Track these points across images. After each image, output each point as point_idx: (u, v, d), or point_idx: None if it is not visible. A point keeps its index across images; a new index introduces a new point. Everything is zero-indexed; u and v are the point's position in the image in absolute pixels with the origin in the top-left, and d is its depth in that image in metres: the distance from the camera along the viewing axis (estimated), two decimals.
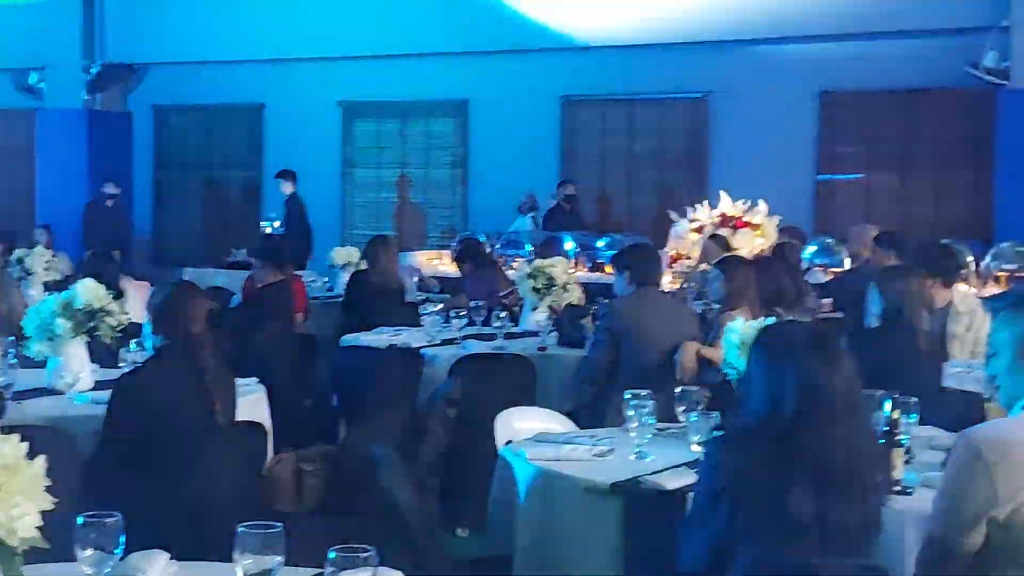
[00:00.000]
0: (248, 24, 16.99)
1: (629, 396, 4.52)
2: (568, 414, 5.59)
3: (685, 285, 10.50)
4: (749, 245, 12.01)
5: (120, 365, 5.93)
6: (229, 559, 2.69)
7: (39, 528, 2.64)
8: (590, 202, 15.81)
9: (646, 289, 6.83)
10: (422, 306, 8.27)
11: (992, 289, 10.97)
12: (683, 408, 4.63)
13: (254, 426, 5.30)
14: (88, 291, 5.71)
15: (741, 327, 5.13)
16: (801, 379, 3.25)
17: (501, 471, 4.55)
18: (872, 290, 6.16)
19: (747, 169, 14.24)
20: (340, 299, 10.27)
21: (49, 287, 9.35)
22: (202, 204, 18.61)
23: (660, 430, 4.66)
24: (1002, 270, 11.22)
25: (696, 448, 4.34)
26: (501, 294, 9.34)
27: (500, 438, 4.94)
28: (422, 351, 7.49)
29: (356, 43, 16.38)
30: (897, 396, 4.15)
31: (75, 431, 4.99)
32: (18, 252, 10.62)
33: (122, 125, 18.62)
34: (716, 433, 3.51)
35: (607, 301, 7.57)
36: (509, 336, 7.79)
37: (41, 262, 10.38)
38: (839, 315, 8.70)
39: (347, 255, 11.46)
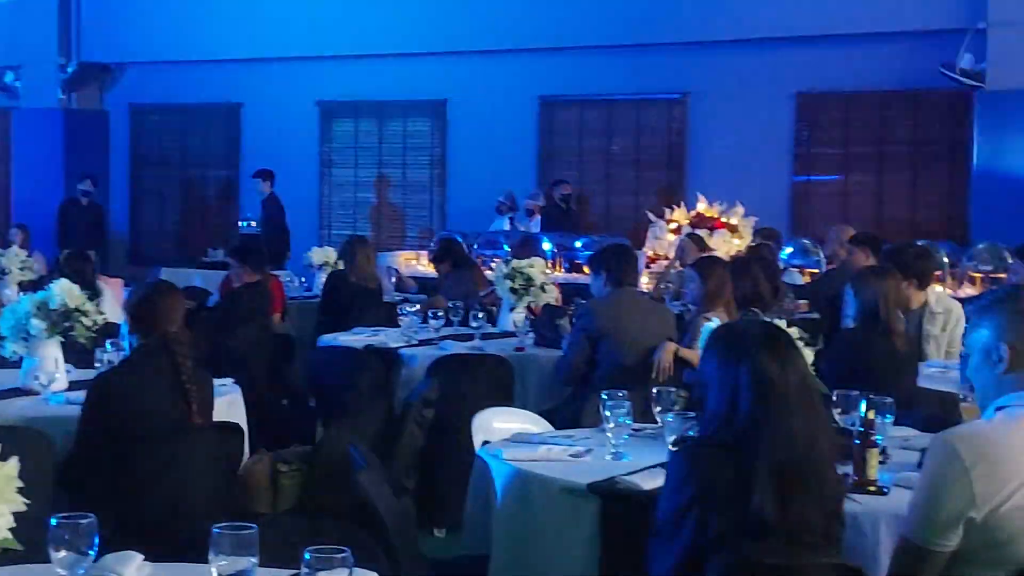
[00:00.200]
0: (225, 23, 16.94)
1: (606, 396, 4.52)
2: (545, 414, 5.59)
3: (662, 286, 10.52)
4: (726, 246, 12.05)
5: (96, 365, 5.90)
6: (204, 560, 2.69)
7: (11, 530, 2.63)
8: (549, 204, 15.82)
9: (623, 290, 6.85)
10: (400, 306, 8.26)
11: (967, 290, 11.02)
12: (660, 409, 4.63)
13: (230, 426, 5.29)
14: (63, 291, 5.69)
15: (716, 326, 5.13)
16: (755, 376, 3.25)
17: (478, 471, 4.55)
18: (847, 291, 6.18)
19: (724, 170, 14.27)
20: (317, 299, 10.25)
21: (24, 287, 9.32)
22: (179, 204, 18.55)
23: (637, 430, 4.66)
24: (977, 271, 11.28)
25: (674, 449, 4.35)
26: (481, 294, 9.35)
27: (477, 438, 4.94)
28: (399, 351, 7.49)
29: (334, 43, 16.35)
30: (872, 396, 4.16)
31: (50, 432, 4.96)
32: None
33: (98, 124, 18.54)
34: (679, 443, 3.47)
35: (584, 302, 7.58)
36: (486, 336, 7.79)
37: (16, 262, 10.34)
38: (815, 316, 8.72)
39: (324, 255, 11.44)
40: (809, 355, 4.94)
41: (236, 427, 5.31)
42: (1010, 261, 7.80)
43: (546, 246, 12.78)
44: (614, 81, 15.28)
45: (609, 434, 4.47)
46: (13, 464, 2.67)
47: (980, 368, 3.30)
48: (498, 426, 5.11)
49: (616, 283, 6.83)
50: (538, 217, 14.86)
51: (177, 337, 5.01)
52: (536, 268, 8.32)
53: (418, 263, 13.47)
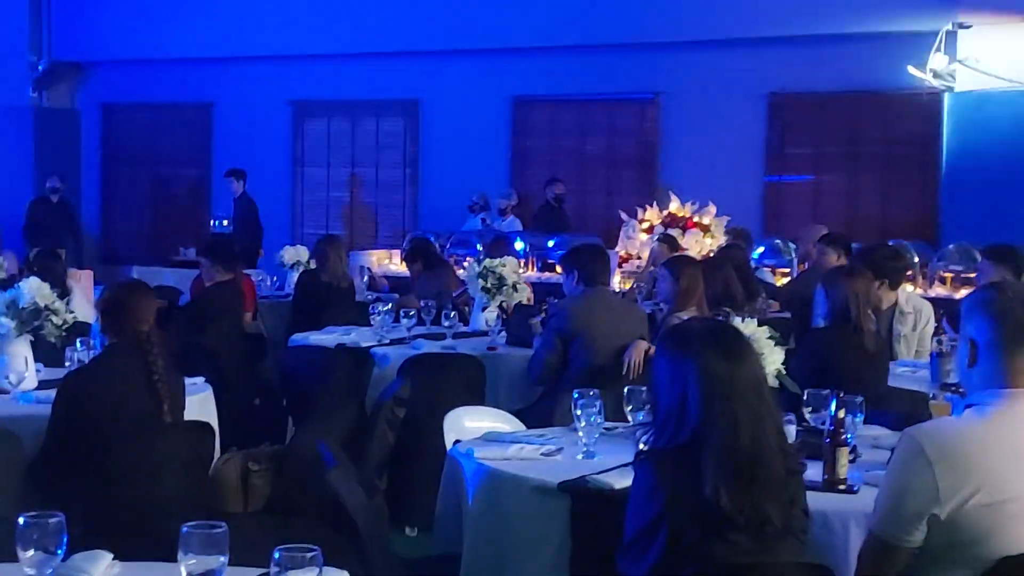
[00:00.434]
0: (197, 22, 16.87)
1: (577, 395, 4.53)
2: (517, 413, 5.60)
3: (634, 285, 10.54)
4: (698, 246, 12.08)
5: (66, 364, 5.88)
6: (174, 559, 2.68)
7: None
8: (541, 203, 15.83)
9: (595, 289, 6.86)
10: (372, 305, 8.24)
11: (938, 290, 11.08)
12: (631, 407, 4.63)
13: (201, 425, 5.27)
14: (33, 289, 5.67)
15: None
16: (701, 373, 3.26)
17: (449, 471, 4.55)
18: (819, 291, 6.21)
19: (696, 170, 14.30)
20: (289, 298, 10.24)
21: None
22: (151, 203, 18.46)
23: (608, 429, 4.67)
24: (947, 271, 11.33)
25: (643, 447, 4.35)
26: (453, 294, 9.34)
27: (448, 438, 4.93)
28: (371, 351, 7.48)
29: (306, 42, 16.30)
30: (842, 395, 4.18)
31: (19, 431, 4.94)
32: None
33: (70, 123, 18.44)
34: (640, 455, 3.47)
35: (556, 301, 7.58)
36: (458, 336, 7.79)
37: None
38: (786, 315, 8.75)
39: (296, 254, 11.42)
40: (780, 355, 4.96)
41: (207, 426, 5.29)
42: (980, 261, 7.84)
43: (518, 245, 12.78)
44: (587, 81, 15.29)
45: (580, 433, 4.47)
46: None
47: (959, 365, 3.35)
48: (470, 425, 5.10)
49: (588, 283, 6.84)
50: (511, 216, 14.87)
51: (148, 336, 5.00)
52: (508, 267, 8.32)
53: (390, 262, 13.45)
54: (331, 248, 9.71)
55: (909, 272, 9.69)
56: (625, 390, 4.71)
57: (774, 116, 14.59)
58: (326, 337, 7.88)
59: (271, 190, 16.20)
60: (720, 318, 5.58)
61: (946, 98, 12.94)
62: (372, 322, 7.97)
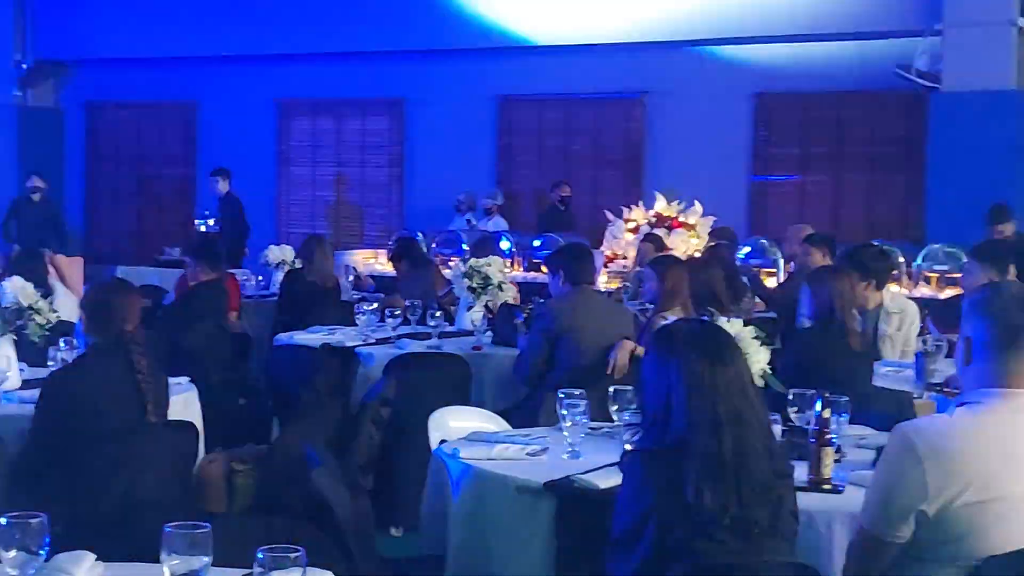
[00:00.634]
0: (182, 20, 16.83)
1: (562, 395, 4.53)
2: (502, 413, 5.59)
3: (621, 285, 10.53)
4: (684, 245, 12.09)
5: (49, 364, 5.86)
6: (158, 559, 2.67)
7: None
8: (526, 202, 15.84)
9: (581, 289, 6.85)
10: (357, 305, 8.23)
11: (923, 290, 11.11)
12: (616, 407, 4.63)
13: (185, 425, 5.26)
14: (16, 289, 5.64)
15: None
16: (684, 374, 3.27)
17: (434, 470, 4.54)
18: (803, 291, 6.21)
19: (682, 170, 14.30)
20: (274, 298, 10.22)
21: None
22: (135, 202, 18.43)
23: (593, 429, 4.67)
24: (932, 271, 11.36)
25: (630, 448, 4.35)
26: (439, 293, 9.33)
27: (434, 437, 4.93)
28: (356, 350, 7.46)
29: (292, 41, 16.28)
30: (827, 395, 4.18)
31: (2, 431, 4.92)
32: None
33: (53, 121, 18.40)
34: (627, 455, 3.48)
35: (543, 301, 7.58)
36: (444, 335, 7.78)
37: None
38: (772, 315, 8.76)
39: (282, 254, 11.40)
40: (765, 354, 4.96)
41: (191, 426, 5.28)
42: (965, 261, 7.85)
43: (504, 245, 12.78)
44: (573, 81, 15.29)
45: (565, 433, 4.47)
46: None
47: (956, 362, 3.38)
48: (455, 425, 5.10)
49: (574, 282, 6.84)
50: (497, 216, 14.86)
51: (133, 336, 4.98)
52: (494, 267, 8.31)
53: (376, 262, 13.44)
54: (316, 247, 9.69)
55: (895, 272, 9.71)
56: (610, 390, 4.71)
57: (760, 116, 14.61)
58: (311, 337, 7.86)
59: (256, 189, 16.17)
60: (705, 318, 5.58)
61: (931, 99, 12.96)
62: (357, 322, 7.95)
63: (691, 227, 12.66)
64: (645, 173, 15.10)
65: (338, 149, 17.12)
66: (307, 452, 4.36)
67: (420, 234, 12.93)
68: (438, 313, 7.80)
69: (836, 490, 3.94)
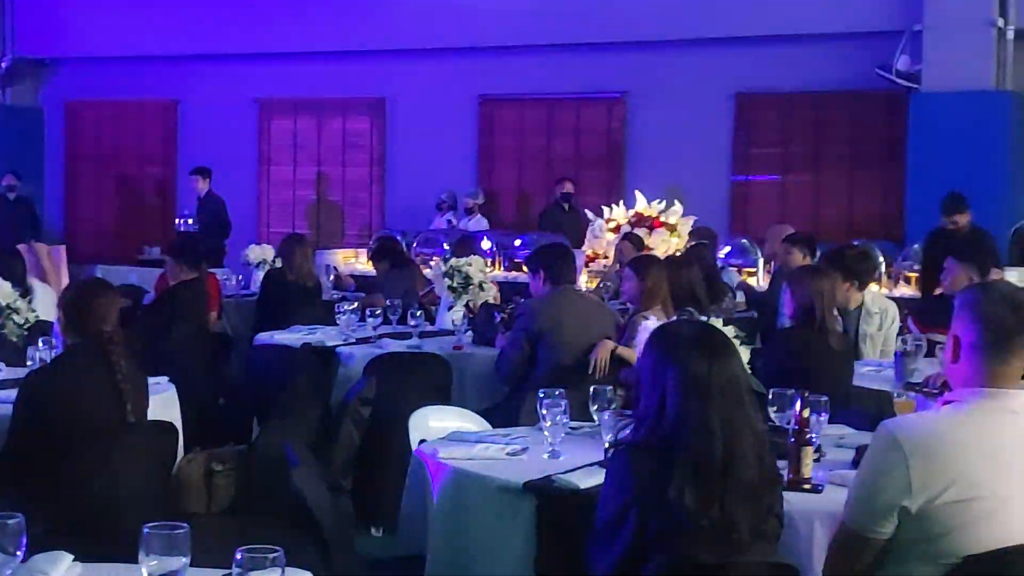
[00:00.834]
0: (163, 19, 16.78)
1: (543, 395, 4.52)
2: (483, 413, 5.59)
3: (602, 284, 10.54)
4: (664, 245, 12.10)
5: (27, 364, 5.83)
6: (136, 560, 2.65)
7: None
8: (508, 201, 15.84)
9: (563, 289, 6.85)
10: (337, 305, 8.21)
11: (903, 289, 11.14)
12: (596, 407, 4.63)
13: (164, 425, 5.23)
14: None
15: (654, 327, 5.14)
16: (681, 374, 3.29)
17: (414, 470, 4.53)
18: (784, 290, 6.22)
19: (663, 169, 14.32)
20: (255, 297, 10.20)
21: None
22: (115, 201, 18.35)
23: (574, 429, 4.66)
24: (912, 271, 11.39)
25: (613, 443, 4.35)
26: (420, 293, 9.32)
27: (414, 437, 4.92)
28: (337, 350, 7.45)
29: (273, 40, 16.25)
30: (807, 395, 4.18)
31: None
32: None
33: (33, 120, 18.32)
34: (614, 447, 3.50)
35: (523, 301, 7.58)
36: (425, 335, 7.76)
37: None
38: (752, 314, 8.78)
39: (262, 253, 11.38)
40: (745, 354, 4.97)
41: (170, 426, 5.25)
42: (946, 260, 7.89)
43: (485, 244, 12.77)
44: (554, 80, 15.29)
45: (546, 432, 4.46)
46: None
47: (944, 359, 3.41)
48: (435, 425, 5.09)
49: (554, 282, 6.84)
50: (478, 215, 14.85)
51: (112, 336, 4.95)
52: (475, 266, 8.31)
53: (357, 261, 13.42)
54: (297, 247, 9.67)
55: (876, 272, 9.74)
56: (591, 390, 4.71)
57: (740, 116, 14.63)
58: (291, 336, 7.85)
59: (237, 188, 16.11)
60: (684, 318, 5.59)
61: (912, 99, 13.00)
62: (338, 321, 7.93)
63: (672, 227, 12.67)
64: (626, 173, 15.11)
65: (319, 148, 17.08)
66: (287, 452, 4.35)
67: (401, 233, 12.92)
68: (419, 313, 7.78)
69: (816, 489, 3.94)
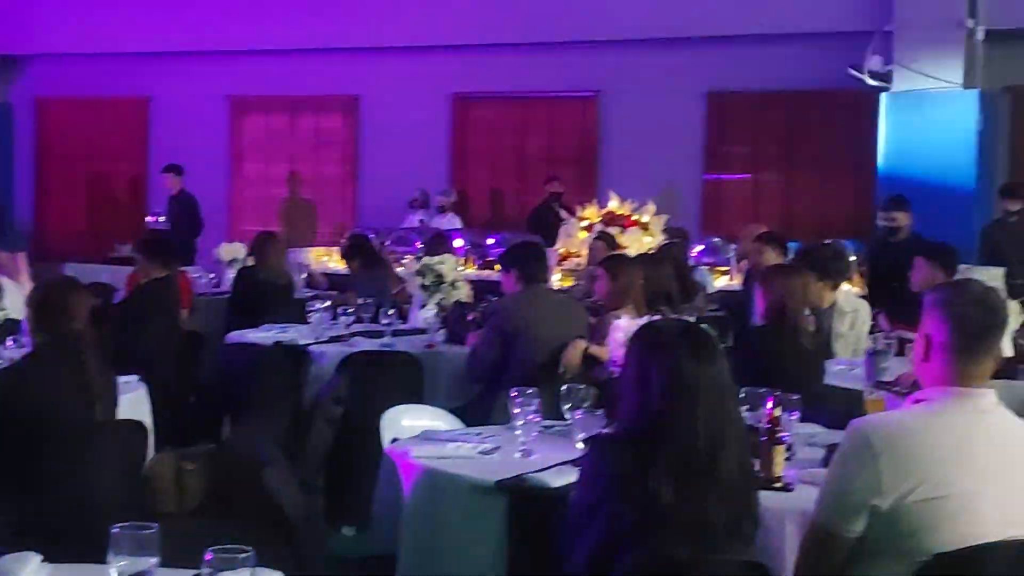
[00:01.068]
0: (134, 15, 16.69)
1: (515, 393, 4.52)
2: (455, 411, 5.58)
3: (575, 283, 10.54)
4: (637, 244, 12.10)
5: None
6: (106, 560, 2.64)
7: None
8: (481, 200, 15.83)
9: (535, 287, 6.86)
10: (310, 303, 8.19)
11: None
12: (569, 405, 4.63)
13: (134, 424, 5.21)
14: None
15: (626, 325, 5.16)
16: (666, 370, 3.30)
17: (386, 469, 4.53)
18: (755, 289, 6.23)
19: (636, 168, 14.34)
20: (226, 295, 10.17)
21: None
22: (86, 198, 18.26)
23: (546, 427, 4.67)
24: None
25: (582, 446, 4.35)
26: (392, 291, 9.31)
27: (386, 436, 4.91)
28: (309, 348, 7.43)
29: (244, 37, 16.18)
30: (779, 393, 4.20)
31: None
32: None
33: (2, 117, 18.20)
34: (592, 438, 3.51)
35: (496, 299, 7.58)
36: (397, 333, 7.75)
37: None
38: (722, 314, 8.80)
39: (234, 251, 11.33)
40: None
41: (140, 425, 5.23)
42: (914, 259, 7.94)
43: (458, 243, 12.76)
44: (527, 79, 15.29)
45: (518, 431, 4.46)
46: None
47: (914, 357, 3.42)
48: (407, 423, 5.09)
49: (527, 281, 6.83)
50: (450, 214, 14.84)
51: (82, 334, 4.92)
52: (447, 265, 8.30)
53: (330, 259, 13.38)
54: (269, 245, 9.64)
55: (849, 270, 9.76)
56: (563, 388, 4.71)
57: (712, 115, 14.66)
58: (263, 335, 7.82)
59: (208, 186, 16.02)
60: (657, 317, 5.60)
61: (883, 98, 13.04)
62: (310, 319, 7.91)
63: (644, 225, 12.67)
64: (599, 171, 15.12)
65: (291, 146, 17.03)
66: (258, 451, 4.34)
67: (374, 232, 12.89)
68: (391, 311, 7.77)
69: (787, 488, 3.96)
